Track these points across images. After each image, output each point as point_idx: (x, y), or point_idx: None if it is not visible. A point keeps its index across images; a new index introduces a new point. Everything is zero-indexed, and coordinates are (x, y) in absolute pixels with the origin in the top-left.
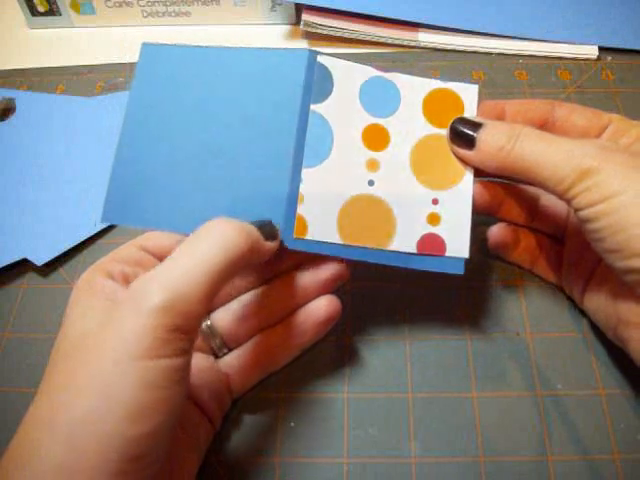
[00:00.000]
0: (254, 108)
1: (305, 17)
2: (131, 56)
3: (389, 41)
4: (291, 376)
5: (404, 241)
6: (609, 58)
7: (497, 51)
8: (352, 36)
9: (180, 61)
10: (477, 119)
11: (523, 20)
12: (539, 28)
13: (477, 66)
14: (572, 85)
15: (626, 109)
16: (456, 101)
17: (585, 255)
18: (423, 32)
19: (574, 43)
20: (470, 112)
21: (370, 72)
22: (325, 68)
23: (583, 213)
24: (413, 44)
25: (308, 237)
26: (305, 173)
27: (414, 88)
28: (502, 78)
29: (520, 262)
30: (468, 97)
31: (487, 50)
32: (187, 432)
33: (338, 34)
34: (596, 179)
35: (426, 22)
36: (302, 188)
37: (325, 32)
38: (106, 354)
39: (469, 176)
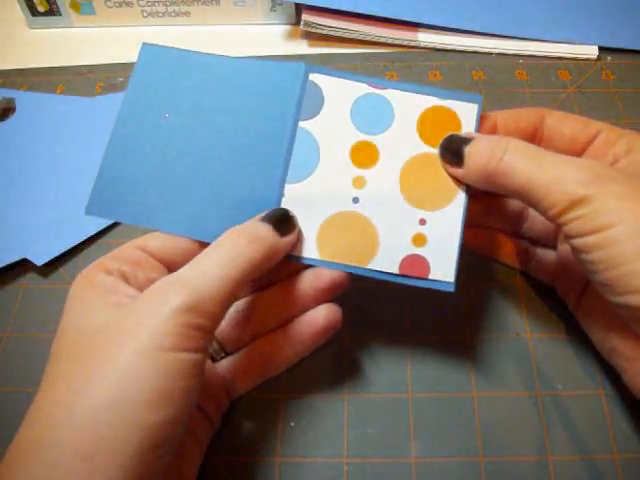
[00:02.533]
0: (248, 118)
1: (305, 17)
2: (131, 56)
3: (389, 41)
4: (291, 376)
5: (386, 260)
6: (609, 58)
7: (497, 51)
8: (352, 36)
9: (178, 64)
10: (467, 134)
11: (523, 20)
12: (539, 28)
13: (477, 66)
14: (572, 85)
15: (626, 109)
16: (453, 119)
17: (577, 268)
18: (423, 32)
19: (574, 43)
20: (467, 131)
21: (364, 89)
22: (316, 85)
23: (575, 242)
24: (413, 44)
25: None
26: (288, 188)
27: (410, 105)
28: (502, 78)
29: (511, 264)
30: (466, 115)
31: (487, 50)
32: (188, 430)
33: (338, 34)
34: (589, 208)
35: (426, 22)
36: (284, 203)
37: (325, 32)
38: (130, 344)
39: (461, 197)
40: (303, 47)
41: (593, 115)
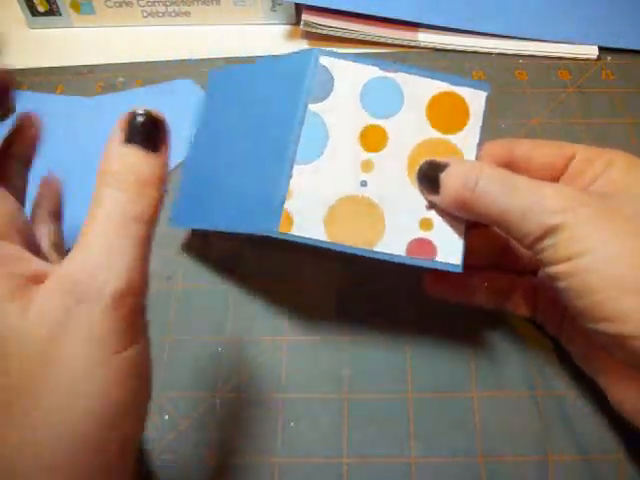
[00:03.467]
0: (272, 109)
1: (305, 17)
2: (131, 56)
3: (389, 41)
4: (291, 377)
5: (393, 243)
6: (609, 58)
7: (497, 51)
8: (352, 36)
9: (234, 80)
10: (444, 160)
11: (523, 20)
12: (539, 28)
13: (477, 66)
14: (572, 85)
15: (626, 109)
16: (463, 106)
17: (553, 295)
18: (423, 32)
19: (574, 43)
20: (475, 119)
21: (374, 72)
22: (326, 68)
23: (549, 270)
24: (413, 44)
25: (293, 232)
26: (296, 169)
27: (419, 89)
28: (502, 78)
29: (486, 305)
30: (474, 102)
31: (487, 50)
32: None
33: (338, 34)
34: (561, 236)
35: (426, 22)
36: (292, 183)
37: (325, 32)
38: (74, 358)
39: None
40: (303, 47)
41: (593, 115)
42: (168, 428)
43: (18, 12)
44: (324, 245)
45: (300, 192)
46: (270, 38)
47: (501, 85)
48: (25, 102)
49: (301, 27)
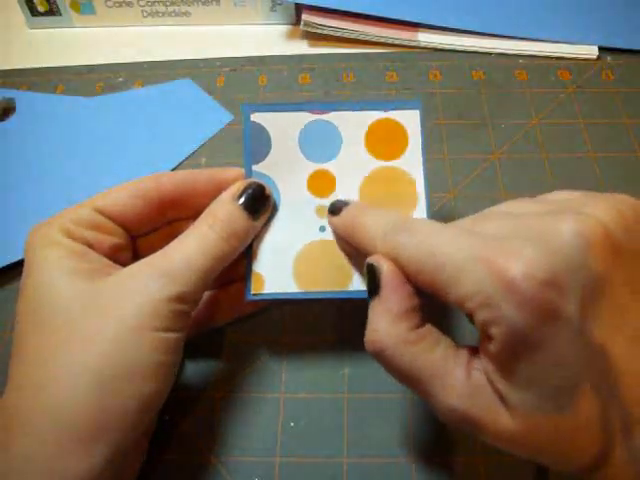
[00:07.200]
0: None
1: (305, 17)
2: (131, 56)
3: (389, 41)
4: (291, 376)
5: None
6: (609, 58)
7: (497, 51)
8: (352, 36)
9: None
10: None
11: (523, 20)
12: (539, 28)
13: (477, 66)
14: (572, 85)
15: (626, 109)
16: (399, 129)
17: None
18: (423, 32)
19: (574, 43)
20: (414, 138)
21: (306, 118)
22: (260, 125)
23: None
24: (413, 44)
25: (266, 291)
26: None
27: (354, 124)
28: (502, 78)
29: None
30: (410, 123)
31: (487, 50)
32: None
33: (338, 34)
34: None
35: (426, 22)
36: (253, 245)
37: (325, 32)
38: (126, 322)
39: (422, 203)
40: (303, 47)
41: (593, 115)
42: (169, 428)
43: (18, 12)
44: (298, 296)
45: (263, 252)
46: (270, 38)
47: (501, 85)
48: (25, 102)
49: (301, 27)
